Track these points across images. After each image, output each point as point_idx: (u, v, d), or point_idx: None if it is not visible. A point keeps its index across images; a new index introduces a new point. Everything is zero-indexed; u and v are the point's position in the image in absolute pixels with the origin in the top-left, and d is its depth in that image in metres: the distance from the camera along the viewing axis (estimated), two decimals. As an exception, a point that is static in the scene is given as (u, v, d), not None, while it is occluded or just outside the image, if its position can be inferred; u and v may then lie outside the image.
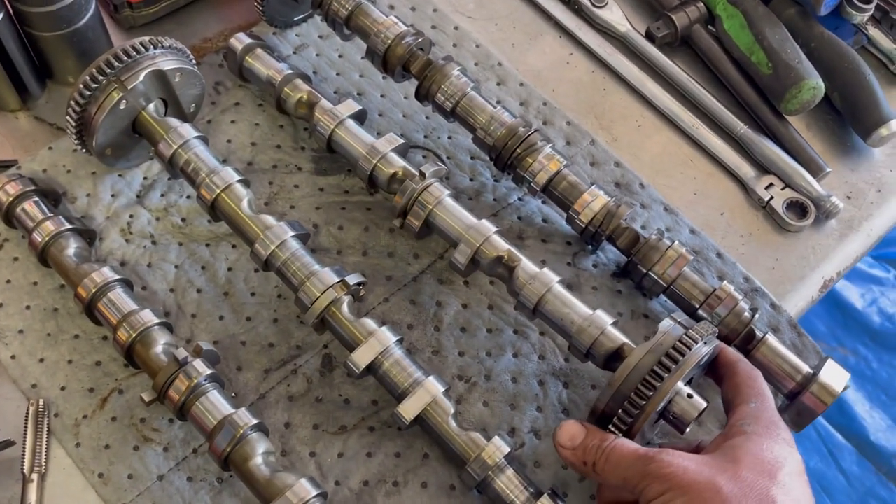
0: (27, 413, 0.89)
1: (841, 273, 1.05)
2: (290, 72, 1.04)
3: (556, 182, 0.99)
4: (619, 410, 0.79)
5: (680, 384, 0.79)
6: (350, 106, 1.02)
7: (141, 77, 0.93)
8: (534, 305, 0.89)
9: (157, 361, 0.88)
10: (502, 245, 0.92)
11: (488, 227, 0.93)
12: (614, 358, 0.85)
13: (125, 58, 0.93)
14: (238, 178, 0.94)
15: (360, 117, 1.03)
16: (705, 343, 0.81)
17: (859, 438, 2.37)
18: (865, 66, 1.11)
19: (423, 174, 0.95)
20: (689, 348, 0.79)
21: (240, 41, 1.07)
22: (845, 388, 0.93)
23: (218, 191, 0.93)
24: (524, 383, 0.95)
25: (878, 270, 2.60)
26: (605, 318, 0.86)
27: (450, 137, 1.09)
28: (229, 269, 0.99)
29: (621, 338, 0.86)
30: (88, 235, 0.98)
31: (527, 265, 0.90)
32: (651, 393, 0.77)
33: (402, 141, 0.99)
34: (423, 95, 1.04)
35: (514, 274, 0.91)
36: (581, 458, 0.80)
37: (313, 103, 1.03)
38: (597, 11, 1.18)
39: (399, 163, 0.98)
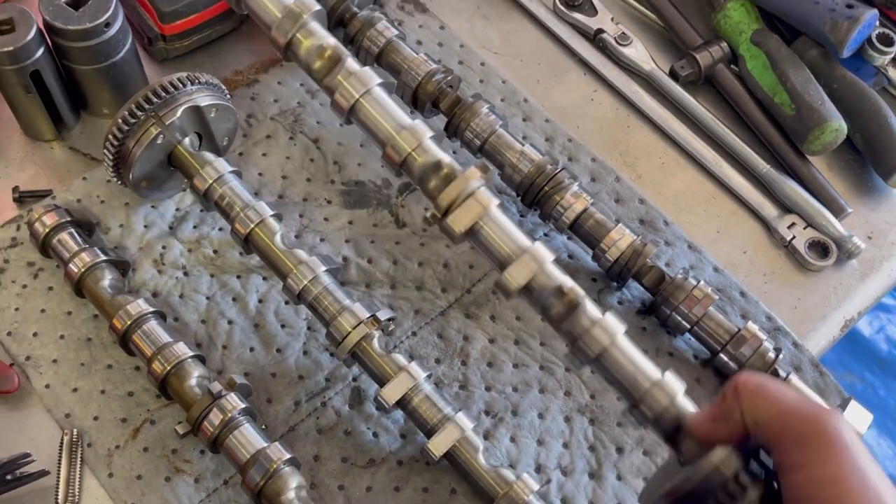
0: (61, 443, 0.90)
1: (862, 313, 1.06)
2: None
3: (583, 219, 1.01)
4: None
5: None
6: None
7: (178, 113, 0.95)
8: (595, 355, 0.81)
9: (192, 394, 0.89)
10: (564, 277, 0.83)
11: (546, 252, 0.83)
12: (678, 429, 0.77)
13: (163, 93, 0.95)
14: (271, 212, 0.96)
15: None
16: None
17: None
18: (887, 108, 1.12)
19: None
20: None
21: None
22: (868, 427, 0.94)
23: (252, 225, 0.95)
24: (550, 419, 0.96)
25: (886, 298, 2.60)
26: (676, 385, 0.78)
27: (476, 172, 1.11)
28: (260, 301, 1.01)
29: (691, 408, 0.78)
30: (122, 266, 0.99)
31: (590, 307, 0.82)
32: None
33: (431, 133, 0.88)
34: (451, 132, 1.06)
35: (575, 314, 0.82)
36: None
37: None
38: (621, 49, 1.20)
39: (441, 155, 0.88)
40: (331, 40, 0.91)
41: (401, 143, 0.86)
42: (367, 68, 0.90)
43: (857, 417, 0.93)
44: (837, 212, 1.10)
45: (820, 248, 1.09)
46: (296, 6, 0.90)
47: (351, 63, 0.89)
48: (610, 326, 0.81)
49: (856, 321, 1.06)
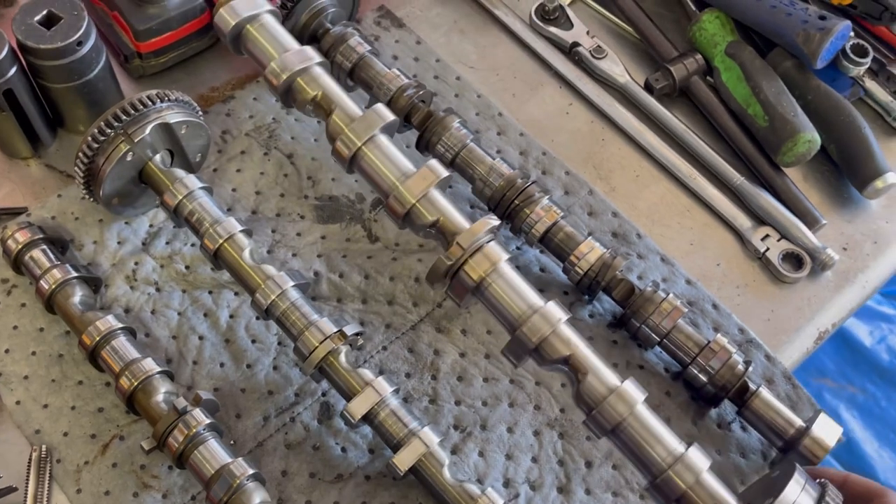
0: (30, 459, 0.91)
1: (836, 324, 1.06)
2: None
3: (553, 233, 1.01)
4: None
5: None
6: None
7: (147, 130, 0.96)
8: (611, 427, 0.80)
9: (158, 410, 0.89)
10: (575, 342, 0.83)
11: (557, 312, 0.84)
12: None
13: (132, 111, 0.95)
14: (240, 228, 0.96)
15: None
16: None
17: (867, 477, 2.35)
18: (861, 119, 1.12)
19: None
20: None
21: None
22: (839, 442, 0.94)
23: (221, 241, 0.95)
24: (519, 433, 0.96)
25: (886, 308, 2.59)
26: (701, 461, 0.77)
27: (450, 187, 1.11)
28: (231, 317, 1.01)
29: (718, 489, 0.78)
30: (94, 283, 1.00)
31: (603, 372, 0.81)
32: None
33: (445, 174, 0.93)
34: (423, 146, 1.07)
35: (586, 382, 0.81)
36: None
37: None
38: (596, 63, 1.20)
39: (444, 206, 0.92)
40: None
41: (405, 193, 0.91)
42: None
43: (826, 431, 0.92)
44: (812, 223, 1.09)
45: (794, 260, 1.08)
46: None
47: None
48: (629, 395, 0.80)
49: (830, 333, 1.06)
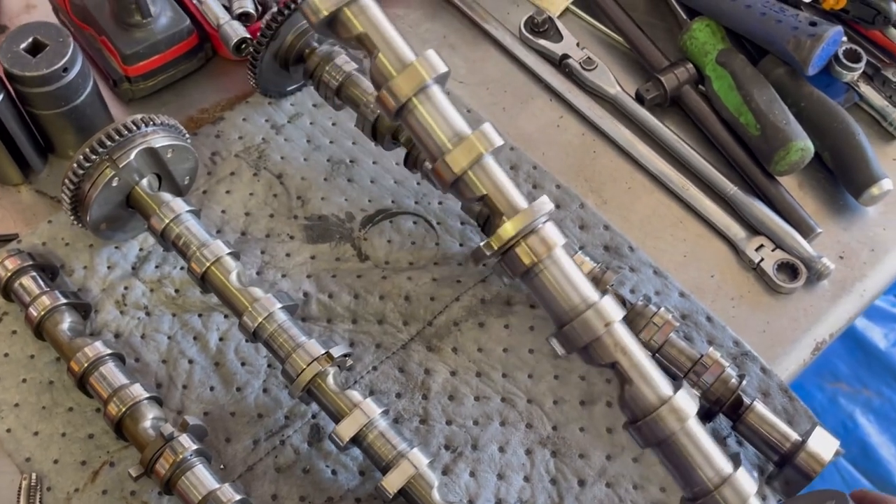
0: (20, 487, 0.91)
1: (833, 335, 1.04)
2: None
3: (542, 248, 1.00)
4: None
5: None
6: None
7: (132, 155, 0.96)
8: (659, 439, 0.77)
9: (146, 436, 0.89)
10: (628, 345, 0.79)
11: (613, 310, 0.79)
12: None
13: (117, 136, 0.95)
14: (228, 251, 0.96)
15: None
16: None
17: (884, 482, 2.32)
18: (856, 125, 1.10)
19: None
20: None
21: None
22: (837, 454, 0.92)
23: (208, 264, 0.95)
24: (511, 452, 0.95)
25: (900, 309, 2.56)
26: (749, 486, 0.76)
27: (440, 203, 1.11)
28: (220, 339, 1.01)
29: None
30: (83, 309, 1.00)
31: (656, 380, 0.78)
32: None
33: (500, 142, 0.84)
34: (411, 164, 1.06)
35: (635, 388, 0.78)
36: None
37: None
38: (587, 74, 1.19)
39: (499, 179, 0.83)
40: None
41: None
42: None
43: (823, 444, 0.90)
44: (807, 232, 1.08)
45: (789, 270, 1.07)
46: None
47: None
48: (681, 408, 0.77)
49: (828, 343, 1.04)
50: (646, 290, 1.04)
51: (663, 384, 0.79)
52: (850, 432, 2.41)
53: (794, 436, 0.92)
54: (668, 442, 0.77)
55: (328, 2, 0.82)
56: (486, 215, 1.02)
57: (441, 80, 0.84)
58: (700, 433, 0.78)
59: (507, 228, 0.80)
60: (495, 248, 0.81)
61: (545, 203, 0.81)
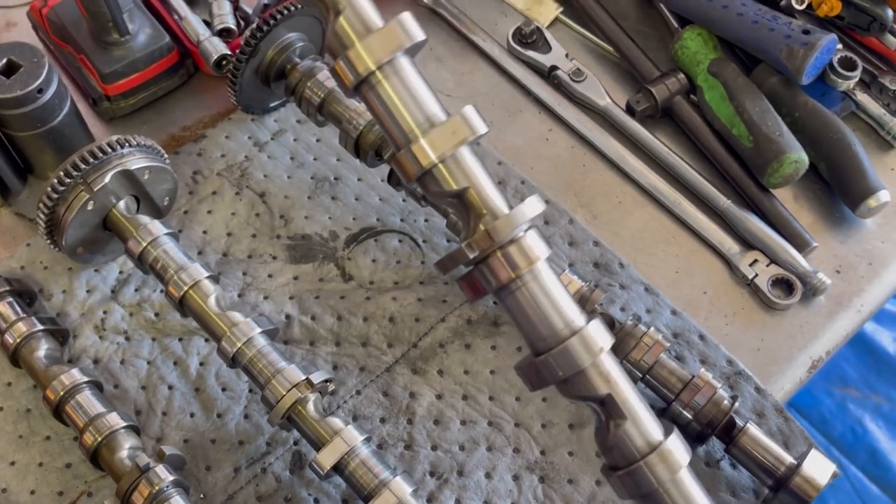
0: (-5, 520, 0.89)
1: (830, 352, 1.01)
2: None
3: (529, 267, 0.97)
4: None
5: None
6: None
7: (107, 178, 0.94)
8: (647, 491, 0.70)
9: (122, 466, 0.87)
10: (614, 379, 0.71)
11: (601, 338, 0.71)
12: None
13: (91, 159, 0.93)
14: (206, 274, 0.94)
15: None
16: None
17: (894, 489, 2.29)
18: (852, 136, 1.08)
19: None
20: None
21: None
22: (834, 476, 0.89)
23: (186, 288, 0.93)
24: (498, 478, 0.92)
25: (910, 313, 2.52)
26: None
27: (426, 220, 1.08)
28: (201, 364, 0.99)
29: None
30: (61, 335, 0.98)
31: (646, 423, 0.71)
32: None
33: (482, 130, 0.74)
34: (395, 182, 1.04)
35: (621, 432, 0.71)
36: None
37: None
38: (576, 86, 1.17)
39: (476, 174, 0.73)
40: None
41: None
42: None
43: (818, 468, 0.87)
44: (802, 246, 1.05)
45: (784, 286, 1.04)
46: None
47: None
48: (672, 459, 0.70)
49: (824, 361, 1.01)
50: (637, 307, 1.02)
51: (653, 426, 0.72)
52: (860, 438, 2.38)
53: (789, 459, 0.89)
54: (656, 496, 0.70)
55: None
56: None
57: (413, 50, 0.72)
58: (692, 486, 0.71)
59: (482, 235, 0.69)
60: (470, 256, 0.70)
61: (530, 206, 0.70)
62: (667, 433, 0.72)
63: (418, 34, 0.70)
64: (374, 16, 0.70)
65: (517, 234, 0.70)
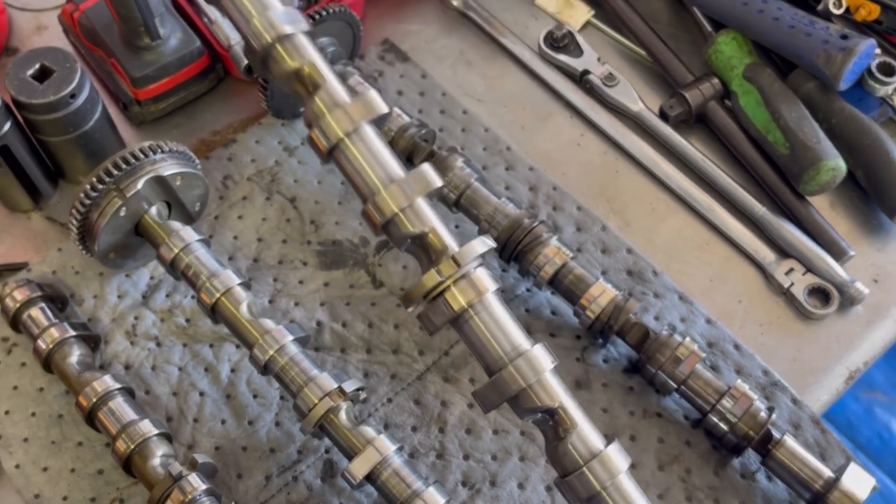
0: (28, 526, 0.89)
1: (868, 363, 1.00)
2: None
3: (562, 275, 0.97)
4: None
5: None
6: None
7: (140, 184, 0.94)
8: (591, 493, 0.75)
9: (154, 474, 0.87)
10: (558, 394, 0.77)
11: (544, 359, 0.77)
12: None
13: (124, 165, 0.93)
14: (238, 281, 0.93)
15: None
16: None
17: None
18: (890, 142, 1.06)
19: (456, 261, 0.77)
20: None
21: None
22: (874, 490, 0.88)
23: (218, 295, 0.92)
24: (531, 489, 0.92)
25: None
26: None
27: (457, 227, 1.08)
28: (232, 371, 0.98)
29: None
30: (93, 341, 0.98)
31: (588, 434, 0.76)
32: None
33: (438, 184, 0.81)
34: (426, 188, 1.03)
35: (567, 443, 0.76)
36: None
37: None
38: (608, 91, 1.16)
39: (431, 220, 0.80)
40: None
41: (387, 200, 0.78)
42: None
43: (857, 482, 0.86)
44: (839, 255, 1.03)
45: (821, 295, 1.02)
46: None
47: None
48: (611, 464, 0.75)
49: (861, 372, 1.00)
50: (670, 316, 1.01)
51: (593, 435, 0.77)
52: (887, 443, 2.35)
53: (827, 472, 0.88)
54: (599, 497, 0.75)
55: (263, 36, 0.79)
56: (504, 241, 0.98)
57: (379, 122, 0.81)
58: (631, 490, 0.75)
59: (437, 272, 0.77)
60: (429, 287, 0.78)
61: (480, 244, 0.79)
62: (608, 443, 0.77)
63: (382, 108, 0.80)
64: (343, 94, 0.80)
65: (468, 270, 0.78)
